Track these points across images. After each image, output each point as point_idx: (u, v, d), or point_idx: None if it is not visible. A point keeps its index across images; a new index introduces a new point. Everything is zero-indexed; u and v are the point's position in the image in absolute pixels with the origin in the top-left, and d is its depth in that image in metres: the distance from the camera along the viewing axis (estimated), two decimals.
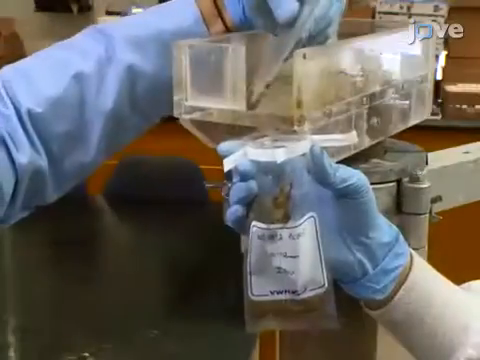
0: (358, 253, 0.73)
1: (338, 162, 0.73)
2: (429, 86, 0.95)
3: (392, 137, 0.93)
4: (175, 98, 0.75)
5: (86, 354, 1.78)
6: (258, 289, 0.69)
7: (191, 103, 0.75)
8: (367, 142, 0.84)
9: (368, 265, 0.73)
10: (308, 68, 0.69)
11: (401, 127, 0.92)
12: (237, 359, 1.77)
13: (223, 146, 0.70)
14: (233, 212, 0.70)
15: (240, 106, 0.73)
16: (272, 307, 0.70)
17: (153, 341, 1.81)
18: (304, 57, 0.68)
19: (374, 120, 0.84)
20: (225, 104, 0.73)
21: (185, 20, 0.82)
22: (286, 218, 0.69)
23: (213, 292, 2.12)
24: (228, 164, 0.68)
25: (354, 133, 0.70)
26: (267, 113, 0.72)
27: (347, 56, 0.80)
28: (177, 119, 0.88)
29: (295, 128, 0.70)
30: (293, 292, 0.69)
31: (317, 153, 0.68)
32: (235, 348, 1.76)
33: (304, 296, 0.69)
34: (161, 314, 2.05)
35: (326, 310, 0.69)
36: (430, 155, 0.95)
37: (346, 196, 0.71)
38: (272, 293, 0.69)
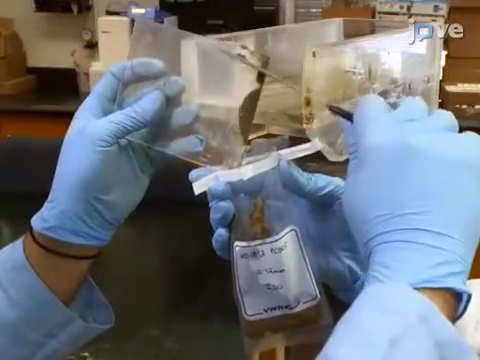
0: (346, 260, 0.73)
1: (346, 160, 0.73)
2: (435, 86, 0.95)
3: None
4: (184, 96, 0.75)
5: (86, 354, 1.78)
6: (252, 309, 0.70)
7: (199, 101, 0.75)
8: None
9: (358, 270, 0.73)
10: (317, 66, 0.69)
11: None
12: (237, 359, 1.77)
13: (193, 173, 0.71)
14: (217, 238, 0.71)
15: None
16: (269, 325, 0.70)
17: (153, 341, 1.81)
18: (313, 55, 0.68)
19: None
20: (233, 102, 0.73)
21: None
22: (265, 233, 0.69)
23: (213, 292, 2.12)
24: (198, 188, 0.70)
25: (316, 140, 0.71)
26: (276, 111, 0.72)
27: (354, 55, 0.80)
28: None
29: (304, 126, 0.70)
30: (286, 307, 0.69)
31: (284, 167, 0.70)
32: (235, 348, 1.76)
33: (298, 310, 0.69)
34: (161, 314, 2.04)
35: (323, 321, 0.69)
36: None
37: (325, 204, 0.71)
38: (266, 311, 0.69)
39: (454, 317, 0.56)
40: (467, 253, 0.56)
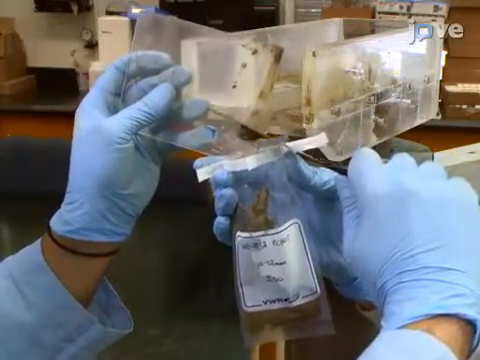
0: None
1: (346, 160, 0.73)
2: (435, 86, 0.95)
3: (397, 137, 0.93)
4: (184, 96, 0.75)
5: None
6: (251, 300, 0.69)
7: None
8: (374, 141, 0.84)
9: None
10: (317, 66, 0.69)
11: (407, 126, 0.92)
12: (237, 359, 1.77)
13: (198, 161, 0.71)
14: (217, 225, 0.71)
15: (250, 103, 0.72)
16: (268, 318, 0.69)
17: (153, 341, 1.80)
18: (313, 55, 0.68)
19: (381, 119, 0.84)
20: (235, 102, 0.73)
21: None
22: (268, 225, 0.69)
23: (213, 292, 2.12)
24: (201, 175, 0.70)
25: (323, 134, 0.71)
26: (276, 111, 0.72)
27: (355, 55, 0.80)
28: None
29: (304, 126, 0.70)
30: (286, 300, 0.69)
31: (290, 159, 0.69)
32: (235, 348, 1.76)
33: (297, 303, 0.69)
34: (161, 314, 2.04)
35: (321, 316, 0.69)
36: (435, 155, 0.95)
37: (328, 199, 0.71)
38: (265, 303, 0.69)
39: (471, 348, 0.57)
40: (477, 285, 0.57)
